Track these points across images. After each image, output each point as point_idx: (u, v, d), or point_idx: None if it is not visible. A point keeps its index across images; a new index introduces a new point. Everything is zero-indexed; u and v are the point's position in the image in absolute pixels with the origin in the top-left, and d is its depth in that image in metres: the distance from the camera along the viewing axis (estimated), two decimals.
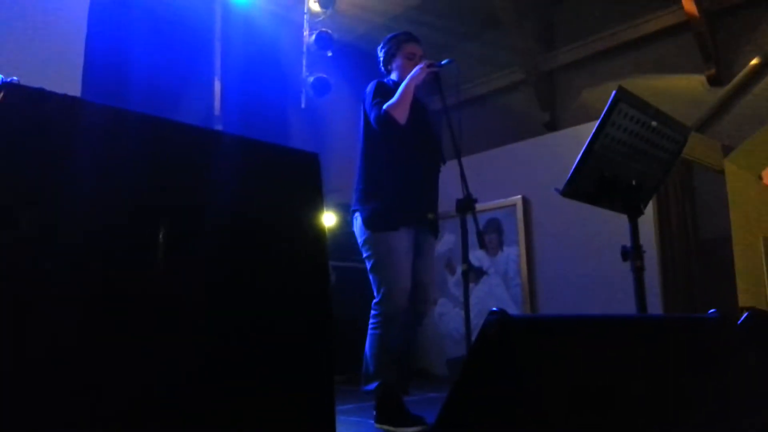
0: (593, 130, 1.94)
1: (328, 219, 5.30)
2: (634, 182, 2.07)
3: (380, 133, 2.75)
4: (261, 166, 1.30)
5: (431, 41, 4.71)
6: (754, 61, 4.65)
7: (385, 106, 2.70)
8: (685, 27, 4.94)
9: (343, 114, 5.40)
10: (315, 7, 5.41)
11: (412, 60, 2.91)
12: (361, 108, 2.90)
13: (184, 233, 1.14)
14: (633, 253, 2.01)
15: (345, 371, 4.18)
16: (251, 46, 5.65)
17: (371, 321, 2.73)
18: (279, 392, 1.25)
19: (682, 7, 4.90)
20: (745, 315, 1.38)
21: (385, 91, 2.83)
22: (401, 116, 2.69)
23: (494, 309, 0.95)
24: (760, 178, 4.92)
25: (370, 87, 2.86)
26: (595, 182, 2.02)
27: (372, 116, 2.74)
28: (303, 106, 5.52)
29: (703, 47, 4.86)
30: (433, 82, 2.79)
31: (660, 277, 3.98)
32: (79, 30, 4.70)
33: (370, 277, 2.76)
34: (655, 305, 3.81)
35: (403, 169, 2.75)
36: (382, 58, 3.04)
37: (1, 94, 0.93)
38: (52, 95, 0.94)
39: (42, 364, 0.97)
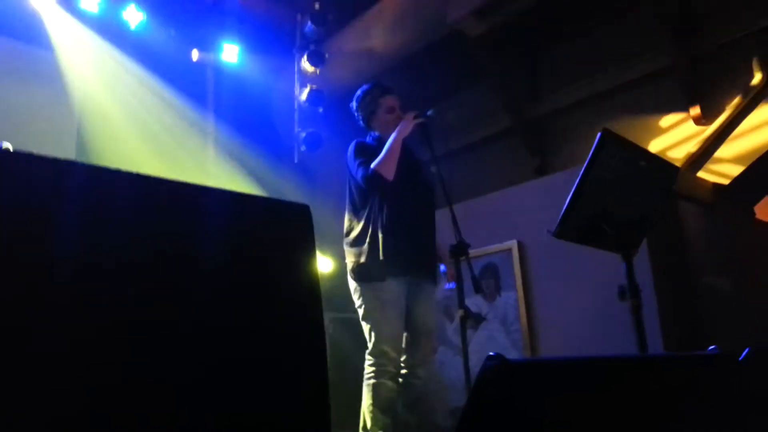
0: (581, 172, 1.97)
1: (326, 268, 5.30)
2: (625, 221, 2.09)
3: (368, 191, 2.77)
4: (250, 220, 1.31)
5: (420, 93, 4.82)
6: (736, 100, 4.75)
7: (373, 165, 2.71)
8: (667, 71, 5.07)
9: (336, 166, 5.49)
10: (306, 66, 5.56)
11: (392, 113, 2.93)
12: (347, 166, 2.92)
13: (176, 290, 1.14)
14: (629, 292, 2.01)
15: (345, 426, 4.09)
16: (244, 105, 5.77)
17: (365, 371, 2.71)
18: None
19: (663, 53, 5.04)
20: (746, 351, 1.37)
21: (366, 149, 2.85)
22: (389, 173, 2.70)
23: (491, 354, 0.94)
24: (753, 213, 4.97)
25: (350, 149, 2.87)
26: (586, 223, 2.04)
27: (359, 176, 2.75)
28: (296, 161, 5.59)
29: (686, 89, 4.98)
30: (420, 133, 2.83)
31: (659, 314, 3.95)
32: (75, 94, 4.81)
33: (363, 327, 2.76)
34: (655, 343, 3.77)
35: (389, 220, 2.75)
36: (361, 116, 3.03)
37: None
38: (41, 158, 0.96)
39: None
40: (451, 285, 2.99)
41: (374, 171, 2.70)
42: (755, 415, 1.24)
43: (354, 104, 3.03)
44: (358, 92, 3.03)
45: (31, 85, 4.50)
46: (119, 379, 1.03)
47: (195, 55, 5.43)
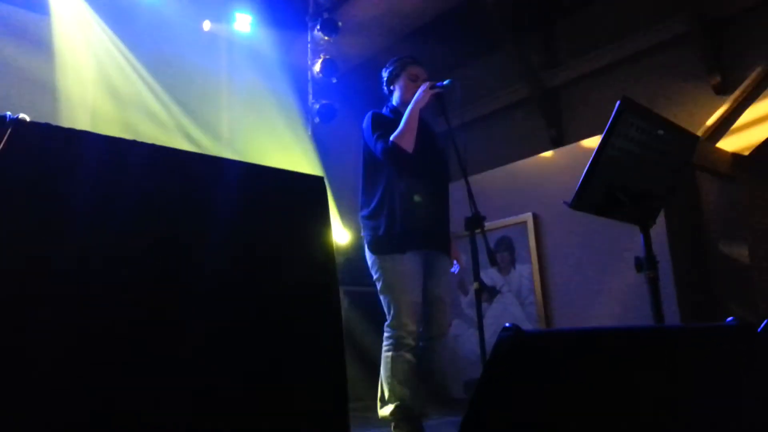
0: (599, 142, 1.93)
1: (343, 240, 5.32)
2: (643, 192, 2.06)
3: (387, 163, 2.75)
4: (266, 192, 1.30)
5: (435, 62, 4.75)
6: (758, 70, 4.63)
7: (392, 138, 2.69)
8: (687, 38, 4.95)
9: (350, 138, 5.45)
10: (319, 35, 5.49)
11: (414, 81, 2.92)
12: (362, 138, 2.90)
13: (191, 262, 1.15)
14: (646, 263, 1.99)
15: (363, 398, 4.14)
16: (257, 76, 5.73)
17: (384, 343, 2.72)
18: (291, 422, 1.23)
19: (682, 19, 4.92)
20: (765, 322, 1.35)
21: (383, 121, 2.82)
22: (409, 145, 2.69)
23: (507, 325, 0.94)
24: None
25: (366, 121, 2.85)
26: (603, 193, 2.01)
27: (378, 149, 2.73)
28: (310, 132, 5.57)
29: (706, 58, 4.86)
30: (436, 104, 2.80)
31: (676, 286, 3.92)
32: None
33: (381, 300, 2.76)
34: (673, 315, 3.75)
35: (405, 193, 2.74)
36: (385, 78, 3.05)
37: (9, 130, 0.95)
38: (56, 129, 0.96)
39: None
40: (455, 269, 2.96)
41: (393, 143, 2.68)
42: None
43: (384, 68, 3.07)
44: (392, 58, 3.07)
45: (36, 51, 4.48)
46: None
47: (207, 25, 5.39)
